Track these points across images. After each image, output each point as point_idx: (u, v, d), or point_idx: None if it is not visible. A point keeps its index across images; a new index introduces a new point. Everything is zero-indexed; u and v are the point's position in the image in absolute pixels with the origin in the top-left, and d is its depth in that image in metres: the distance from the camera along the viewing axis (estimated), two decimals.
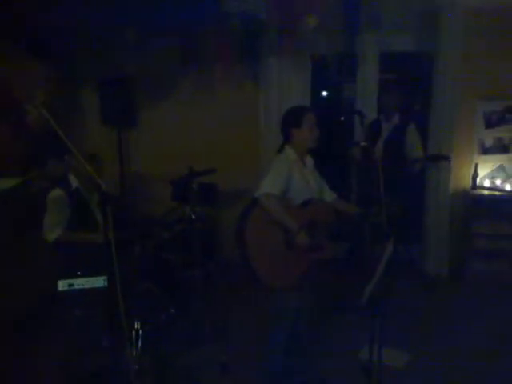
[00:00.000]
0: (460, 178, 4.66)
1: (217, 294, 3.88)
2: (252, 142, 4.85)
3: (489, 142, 4.59)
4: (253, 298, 3.91)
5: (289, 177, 2.51)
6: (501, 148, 4.57)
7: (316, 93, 5.38)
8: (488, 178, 4.58)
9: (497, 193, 4.49)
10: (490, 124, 4.56)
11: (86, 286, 2.42)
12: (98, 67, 4.61)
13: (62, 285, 2.36)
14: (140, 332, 2.78)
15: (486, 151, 4.60)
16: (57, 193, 2.97)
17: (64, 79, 4.08)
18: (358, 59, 4.63)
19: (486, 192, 4.52)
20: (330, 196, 2.81)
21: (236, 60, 4.56)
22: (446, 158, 4.14)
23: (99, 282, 2.45)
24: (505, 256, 4.50)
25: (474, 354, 3.20)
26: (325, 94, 6.35)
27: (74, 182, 3.06)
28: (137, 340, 2.77)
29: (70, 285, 2.38)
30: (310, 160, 2.72)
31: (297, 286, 2.57)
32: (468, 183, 4.62)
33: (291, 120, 2.63)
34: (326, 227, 2.61)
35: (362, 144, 3.36)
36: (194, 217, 3.79)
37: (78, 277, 2.43)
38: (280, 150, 2.65)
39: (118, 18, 3.77)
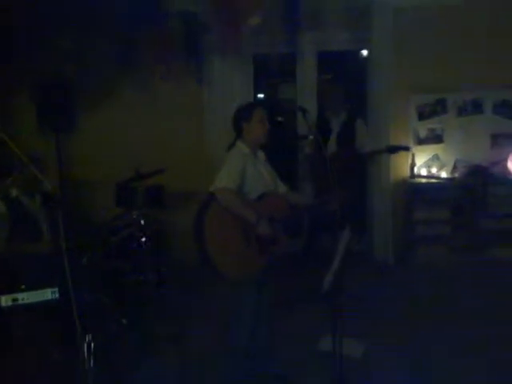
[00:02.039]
0: (399, 168, 4.87)
1: (171, 298, 3.79)
2: (196, 142, 4.81)
3: (423, 133, 4.84)
4: (209, 301, 3.89)
5: (243, 170, 2.53)
6: (434, 138, 4.83)
7: (258, 91, 5.42)
8: (424, 166, 4.83)
9: (433, 180, 4.74)
10: (423, 116, 4.81)
11: (33, 300, 2.26)
12: (35, 70, 4.37)
13: (4, 300, 2.19)
14: (92, 345, 2.65)
15: (421, 142, 4.85)
16: None
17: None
18: (297, 58, 4.72)
19: (423, 180, 4.77)
20: (282, 188, 2.85)
21: (178, 60, 4.50)
22: (406, 149, 4.35)
23: (47, 294, 2.29)
24: (444, 240, 4.76)
25: (425, 338, 3.32)
26: (266, 92, 6.40)
27: (13, 191, 2.86)
28: (89, 353, 2.63)
29: (14, 300, 2.20)
30: (261, 154, 2.75)
31: (256, 278, 2.59)
32: (406, 173, 4.84)
33: (242, 115, 2.67)
34: (282, 220, 2.63)
35: (311, 137, 3.43)
36: (142, 221, 3.69)
37: (22, 290, 2.27)
38: (232, 146, 2.65)
39: (55, 19, 3.58)
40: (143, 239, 3.53)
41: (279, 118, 6.30)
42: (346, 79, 4.93)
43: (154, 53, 4.46)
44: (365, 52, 5.10)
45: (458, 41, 4.56)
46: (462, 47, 4.57)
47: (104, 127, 4.73)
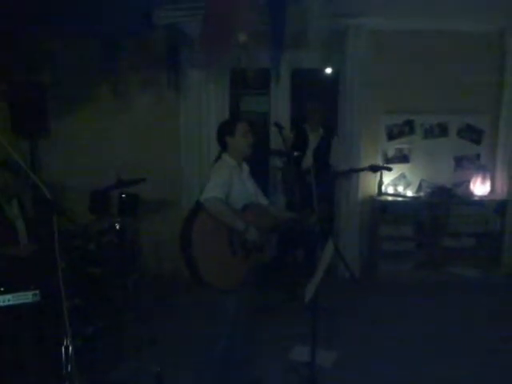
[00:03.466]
0: (367, 186, 5.06)
1: (144, 305, 3.79)
2: (172, 150, 4.85)
3: (391, 153, 5.06)
4: (183, 306, 3.91)
5: (230, 181, 2.60)
6: (401, 158, 5.06)
7: (234, 104, 5.52)
8: (391, 185, 5.05)
9: (399, 198, 4.96)
10: (391, 136, 5.04)
11: (13, 302, 2.24)
12: (10, 72, 4.30)
13: None
14: (69, 348, 2.64)
15: (388, 161, 5.05)
16: None
17: None
18: (272, 74, 4.86)
19: (390, 198, 4.97)
20: (264, 201, 2.93)
21: (158, 71, 4.55)
22: (388, 169, 4.59)
23: (28, 297, 2.28)
24: (408, 256, 4.97)
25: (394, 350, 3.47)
26: (242, 105, 6.51)
27: None
28: (66, 356, 2.62)
29: None
30: (245, 167, 2.83)
31: (239, 287, 2.64)
32: (374, 190, 5.04)
33: (225, 129, 2.75)
34: (265, 230, 2.72)
35: (296, 154, 3.55)
36: (118, 228, 3.70)
37: (2, 293, 2.24)
38: (218, 158, 2.73)
39: (37, 22, 3.56)
40: (119, 245, 3.55)
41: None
42: (321, 97, 5.08)
43: (133, 62, 4.50)
44: (329, 70, 5.30)
45: (430, 65, 4.79)
46: (433, 72, 4.81)
47: (79, 133, 4.71)
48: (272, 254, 4.21)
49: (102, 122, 4.75)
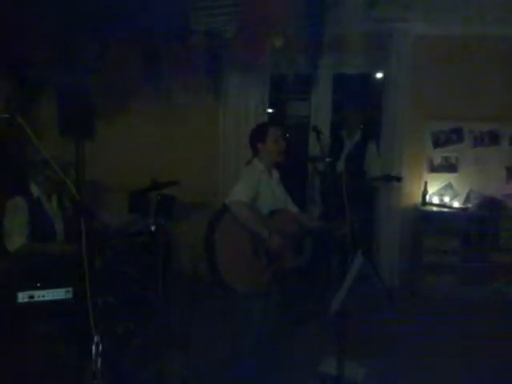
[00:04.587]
0: (410, 195, 4.88)
1: (176, 307, 3.82)
2: (210, 153, 4.89)
3: (437, 161, 4.86)
4: (213, 310, 3.91)
5: (257, 186, 2.58)
6: (448, 166, 4.84)
7: (273, 109, 5.50)
8: (437, 195, 4.84)
9: (445, 209, 4.74)
10: (437, 144, 4.84)
11: (47, 298, 2.31)
12: (57, 78, 4.49)
13: (21, 296, 2.24)
14: (100, 346, 2.69)
15: (434, 169, 4.86)
16: (17, 201, 2.84)
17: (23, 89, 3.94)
18: (314, 79, 4.79)
19: (434, 208, 4.76)
20: (293, 209, 2.88)
21: (198, 75, 4.60)
22: (398, 179, 4.34)
23: (61, 293, 2.35)
24: (451, 271, 4.74)
25: (426, 367, 3.31)
26: (280, 110, 6.47)
27: (35, 190, 2.94)
28: (97, 354, 2.67)
29: (31, 296, 2.26)
30: (275, 173, 2.80)
31: (262, 292, 2.62)
32: (418, 200, 4.84)
33: (257, 135, 2.73)
34: (291, 237, 2.67)
35: (328, 160, 3.47)
36: (153, 229, 3.76)
37: (38, 288, 2.32)
38: (249, 162, 2.71)
39: (79, 28, 3.70)
40: (154, 247, 3.59)
41: (287, 135, 6.31)
42: (362, 102, 4.97)
43: (173, 67, 4.58)
44: (380, 75, 5.16)
45: (478, 71, 4.59)
46: (483, 78, 4.59)
47: (122, 136, 4.84)
48: (304, 263, 4.15)
49: (143, 125, 4.86)
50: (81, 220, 1.87)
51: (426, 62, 4.60)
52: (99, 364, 2.64)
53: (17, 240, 2.78)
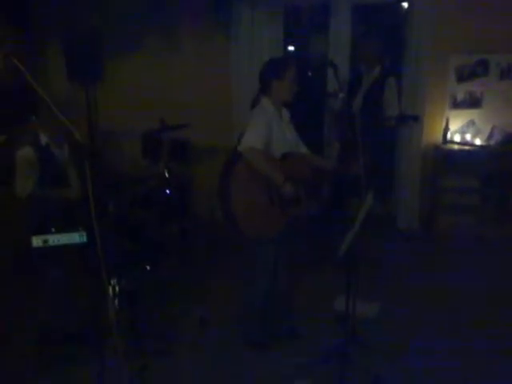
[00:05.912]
0: (431, 133, 4.70)
1: (192, 251, 3.88)
2: (223, 95, 4.74)
3: (460, 96, 4.62)
4: (229, 255, 3.96)
5: (269, 129, 2.48)
6: (472, 102, 4.60)
7: (288, 45, 5.25)
8: (459, 132, 4.65)
9: (466, 147, 4.57)
10: (461, 78, 4.58)
11: (62, 243, 2.34)
12: (62, 22, 4.35)
13: (36, 241, 2.28)
14: (116, 288, 2.77)
15: (457, 105, 4.63)
16: (26, 150, 2.84)
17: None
18: (331, 11, 4.52)
19: (456, 146, 4.59)
20: (304, 150, 2.80)
21: (207, 11, 4.39)
22: (415, 119, 4.11)
23: (75, 238, 2.37)
24: (471, 210, 4.64)
25: (444, 304, 3.33)
26: (296, 46, 6.21)
27: (43, 137, 2.92)
28: (114, 296, 2.76)
29: (45, 241, 2.29)
30: (285, 113, 2.67)
31: (275, 238, 2.59)
32: (439, 138, 4.67)
33: (274, 70, 2.53)
34: (304, 181, 2.61)
35: (341, 95, 3.31)
36: (167, 173, 3.75)
37: (52, 233, 2.35)
38: (256, 102, 2.58)
39: None
40: (167, 191, 3.59)
41: (308, 73, 6.08)
42: (382, 33, 4.67)
43: (182, 5, 4.37)
44: (405, 5, 4.82)
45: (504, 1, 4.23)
46: (509, 7, 4.24)
47: (131, 79, 4.73)
48: (320, 205, 4.08)
49: (153, 67, 4.72)
50: (85, 163, 1.84)
51: None
52: (116, 304, 2.73)
53: (26, 187, 2.80)
